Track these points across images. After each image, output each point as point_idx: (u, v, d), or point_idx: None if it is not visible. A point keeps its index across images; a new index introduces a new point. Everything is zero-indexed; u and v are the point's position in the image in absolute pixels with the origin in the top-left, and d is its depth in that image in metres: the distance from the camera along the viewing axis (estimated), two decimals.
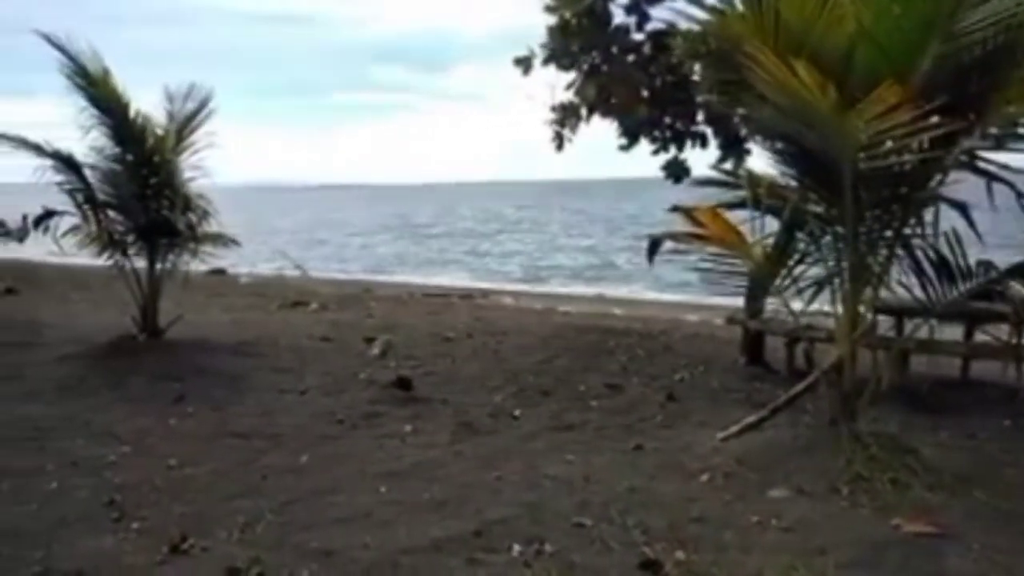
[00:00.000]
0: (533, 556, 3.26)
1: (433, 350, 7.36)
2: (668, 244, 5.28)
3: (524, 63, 6.42)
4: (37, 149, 7.28)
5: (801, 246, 4.81)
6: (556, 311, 10.90)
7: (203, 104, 7.70)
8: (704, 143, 6.76)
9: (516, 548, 3.31)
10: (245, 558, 3.24)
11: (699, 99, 6.26)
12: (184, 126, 7.68)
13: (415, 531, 3.51)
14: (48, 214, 7.85)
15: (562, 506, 3.76)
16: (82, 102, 7.34)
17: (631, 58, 6.27)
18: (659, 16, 6.18)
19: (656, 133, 6.83)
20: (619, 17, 6.18)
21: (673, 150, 7.00)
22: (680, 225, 5.03)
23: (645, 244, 5.78)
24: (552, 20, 6.55)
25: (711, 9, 4.66)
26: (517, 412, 5.37)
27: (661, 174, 7.34)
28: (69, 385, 6.05)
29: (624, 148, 6.79)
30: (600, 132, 7.67)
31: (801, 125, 4.21)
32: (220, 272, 14.48)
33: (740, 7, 4.46)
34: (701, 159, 7.22)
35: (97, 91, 7.27)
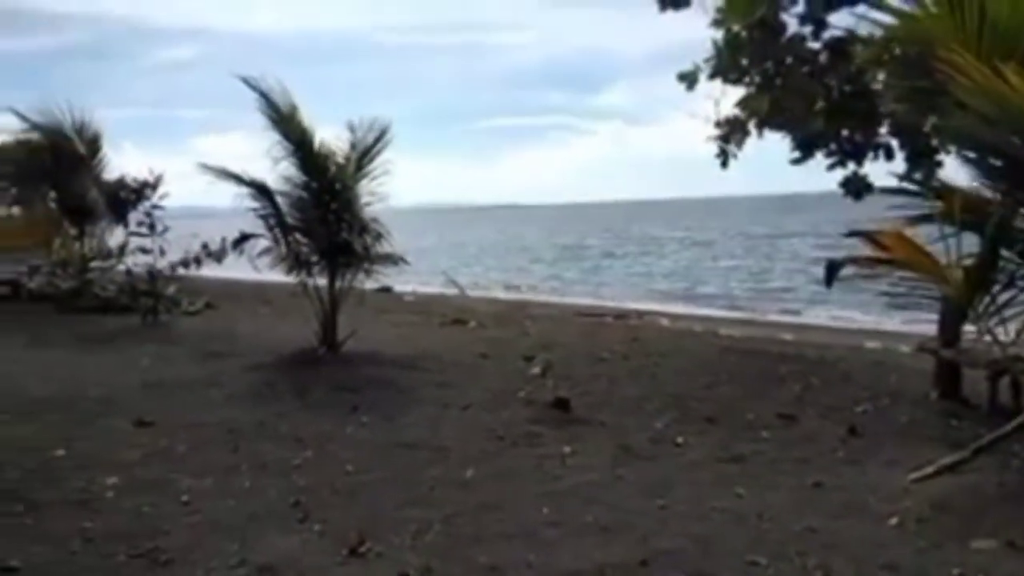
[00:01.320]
0: None
1: (590, 371, 7.32)
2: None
3: (688, 78, 6.26)
4: (237, 179, 8.13)
5: (1009, 267, 4.29)
6: (717, 334, 10.47)
7: (381, 135, 8.27)
8: (889, 155, 6.24)
9: None
10: (417, 565, 3.37)
11: (882, 109, 5.80)
12: (363, 155, 8.27)
13: (579, 554, 3.47)
14: (244, 237, 8.73)
15: (733, 542, 3.57)
16: (274, 136, 8.13)
17: (805, 69, 5.94)
18: (838, 23, 5.81)
19: (832, 146, 6.40)
20: (793, 27, 5.89)
21: (852, 164, 6.53)
22: (861, 247, 4.68)
23: (813, 265, 5.43)
24: (719, 34, 6.36)
25: (899, 12, 4.31)
26: (680, 439, 5.18)
27: (831, 188, 6.86)
28: (260, 392, 6.64)
29: (797, 162, 6.42)
30: (767, 146, 7.32)
31: (1011, 133, 3.78)
32: (387, 290, 15.32)
33: (933, 8, 4.09)
34: (878, 173, 6.69)
35: (287, 126, 8.02)
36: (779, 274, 23.50)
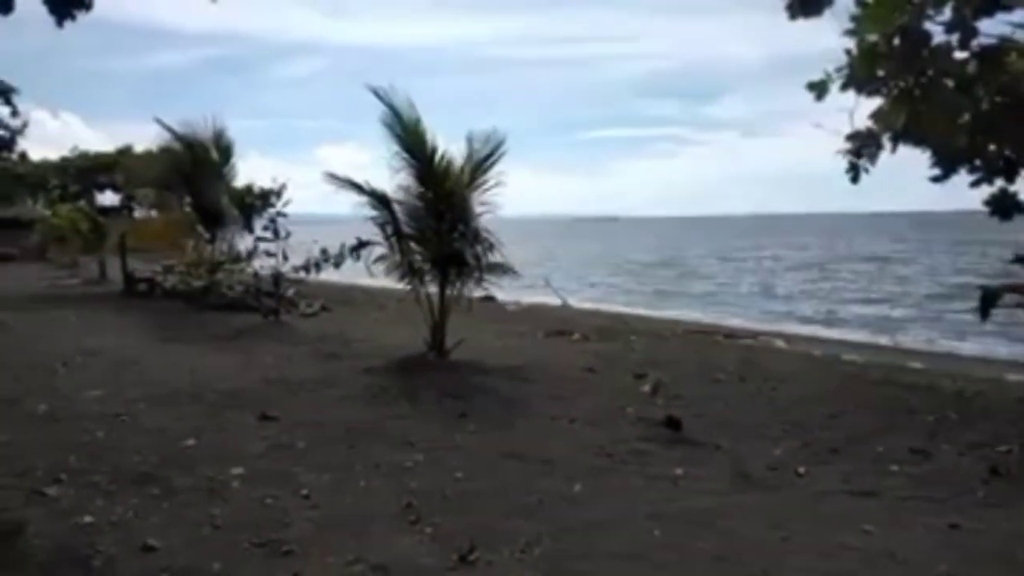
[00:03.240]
0: None
1: (702, 391, 7.09)
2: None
3: (818, 88, 5.92)
4: (359, 188, 8.45)
5: None
6: (839, 359, 9.89)
7: (496, 147, 8.37)
8: None
9: None
10: None
11: None
12: (477, 167, 8.40)
13: None
14: (362, 244, 9.07)
15: None
16: (393, 147, 8.39)
17: (950, 80, 5.51)
18: (989, 31, 5.36)
19: (978, 162, 5.91)
20: (938, 36, 5.47)
21: (999, 182, 6.00)
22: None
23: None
24: (851, 43, 6.02)
25: None
26: (802, 469, 4.91)
27: (964, 207, 6.33)
28: (373, 394, 6.85)
29: (938, 180, 5.96)
30: (894, 161, 6.86)
31: None
32: (490, 299, 15.49)
33: None
34: None
35: (411, 138, 8.26)
36: (907, 297, 21.99)
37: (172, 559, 3.53)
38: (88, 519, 3.95)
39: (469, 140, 8.33)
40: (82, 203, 26.58)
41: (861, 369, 8.88)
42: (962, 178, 6.40)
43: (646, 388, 6.26)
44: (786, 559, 3.58)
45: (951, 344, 13.38)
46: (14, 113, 34.69)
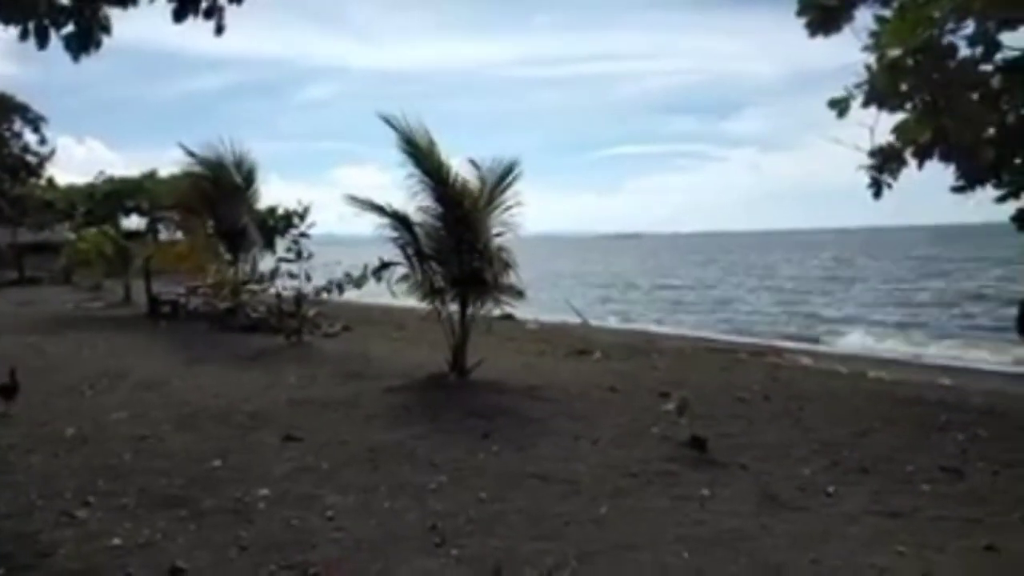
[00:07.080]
0: None
1: (727, 410, 7.01)
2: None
3: (840, 105, 5.88)
4: (380, 210, 8.52)
5: None
6: (866, 376, 9.77)
7: (510, 168, 8.43)
8: None
9: None
10: None
11: None
12: (494, 188, 8.44)
13: None
14: (385, 265, 9.12)
15: None
16: (411, 169, 8.45)
17: (975, 94, 5.46)
18: (1014, 44, 5.31)
19: (1005, 176, 5.83)
20: (962, 49, 5.43)
21: None
22: None
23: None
24: (871, 58, 5.99)
25: None
26: (831, 489, 4.83)
27: (984, 220, 6.24)
28: (395, 414, 6.86)
29: (960, 190, 5.88)
30: (915, 175, 6.80)
31: None
32: (509, 318, 15.45)
33: None
34: None
35: (426, 161, 8.33)
36: (932, 312, 21.67)
37: None
38: (116, 541, 3.97)
39: (473, 163, 8.38)
40: (107, 227, 27.01)
41: (888, 386, 8.75)
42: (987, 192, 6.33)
43: (670, 407, 6.20)
44: None
45: (979, 359, 13.14)
46: (42, 141, 35.69)
